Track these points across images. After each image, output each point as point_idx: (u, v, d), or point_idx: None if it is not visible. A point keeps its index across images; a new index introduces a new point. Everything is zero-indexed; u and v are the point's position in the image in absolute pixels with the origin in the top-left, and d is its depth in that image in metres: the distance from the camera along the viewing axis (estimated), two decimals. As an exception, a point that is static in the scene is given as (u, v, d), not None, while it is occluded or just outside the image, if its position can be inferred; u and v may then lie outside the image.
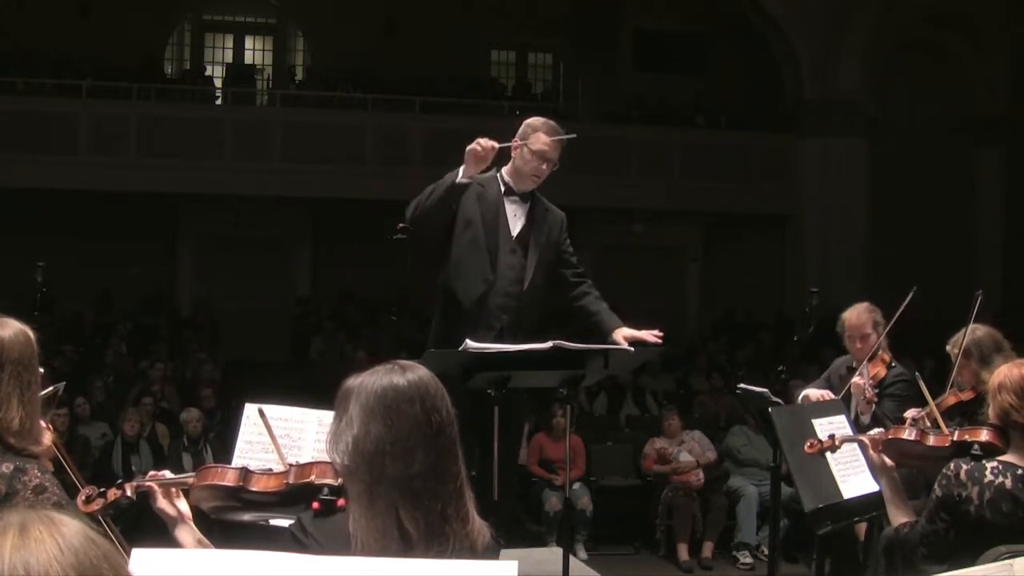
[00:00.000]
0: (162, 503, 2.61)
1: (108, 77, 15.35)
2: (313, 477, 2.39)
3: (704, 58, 18.45)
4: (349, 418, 2.09)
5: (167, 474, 2.71)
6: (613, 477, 9.36)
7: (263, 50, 18.64)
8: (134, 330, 13.51)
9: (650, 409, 11.03)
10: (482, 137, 4.20)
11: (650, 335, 4.19)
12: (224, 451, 6.70)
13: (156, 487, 2.62)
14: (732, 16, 17.03)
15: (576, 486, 8.43)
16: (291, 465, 2.56)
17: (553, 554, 4.72)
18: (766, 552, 7.96)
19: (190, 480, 2.64)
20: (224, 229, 15.96)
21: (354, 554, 1.97)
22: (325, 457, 2.24)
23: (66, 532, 1.23)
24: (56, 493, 2.62)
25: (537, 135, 4.37)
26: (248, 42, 18.62)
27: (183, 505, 2.67)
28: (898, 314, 5.10)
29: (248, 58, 18.54)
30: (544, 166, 4.37)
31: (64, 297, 12.47)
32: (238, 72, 17.76)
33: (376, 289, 14.74)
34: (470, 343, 3.78)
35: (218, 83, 17.50)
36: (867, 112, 16.45)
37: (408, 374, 2.13)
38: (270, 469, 2.62)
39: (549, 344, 3.78)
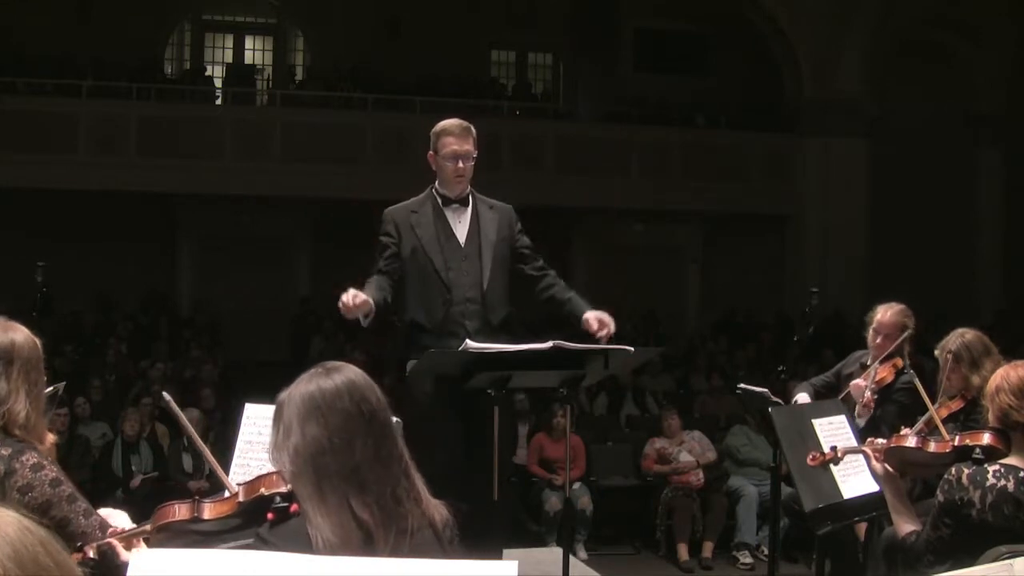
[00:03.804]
0: (125, 557, 2.55)
1: (108, 77, 15.36)
2: (263, 490, 2.39)
3: (704, 58, 18.45)
4: (286, 426, 2.17)
5: (124, 526, 2.66)
6: (613, 477, 9.36)
7: (263, 50, 18.63)
8: (134, 330, 13.51)
9: (650, 409, 11.02)
10: (346, 293, 4.07)
11: (601, 325, 4.18)
12: (224, 451, 6.70)
13: (115, 543, 2.57)
14: (732, 16, 17.03)
15: (576, 486, 8.42)
16: (239, 485, 2.55)
17: (553, 554, 4.72)
18: (766, 552, 7.95)
19: (147, 527, 2.60)
20: (224, 229, 15.96)
21: (318, 554, 1.98)
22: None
23: (1, 523, 1.23)
24: (53, 470, 2.74)
25: (442, 140, 4.38)
26: (248, 42, 18.62)
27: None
28: (893, 347, 5.09)
29: (248, 58, 18.53)
30: (460, 163, 4.36)
31: (64, 297, 12.47)
32: (238, 72, 17.75)
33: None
34: (470, 343, 3.78)
35: (218, 83, 17.49)
36: (867, 112, 16.46)
37: (333, 374, 2.21)
38: (223, 494, 2.59)
39: (549, 344, 3.78)
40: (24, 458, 2.70)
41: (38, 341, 2.88)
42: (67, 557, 1.27)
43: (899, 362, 5.17)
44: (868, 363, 5.22)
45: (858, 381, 5.08)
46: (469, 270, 4.37)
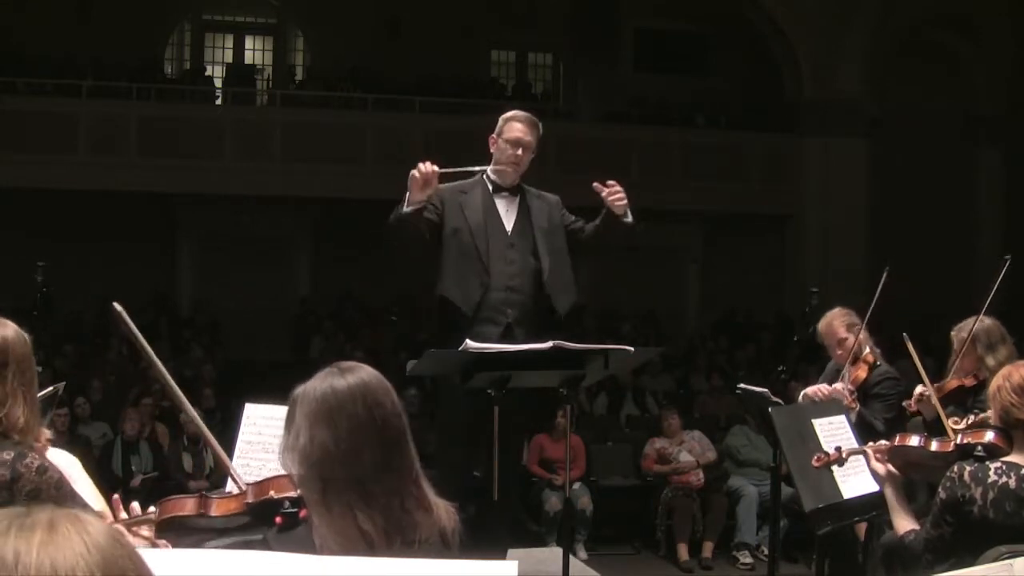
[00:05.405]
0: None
1: (108, 77, 15.36)
2: (272, 492, 2.34)
3: (704, 58, 18.45)
4: (297, 427, 2.09)
5: (132, 510, 2.59)
6: (613, 477, 9.36)
7: (263, 50, 18.63)
8: (134, 330, 13.49)
9: (650, 409, 11.03)
10: (426, 161, 4.15)
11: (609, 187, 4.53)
12: (224, 451, 6.69)
13: (122, 528, 2.51)
14: (732, 16, 17.03)
15: (576, 486, 8.43)
16: (248, 484, 2.52)
17: (553, 554, 4.72)
18: (766, 552, 7.95)
19: (153, 516, 2.55)
20: (224, 229, 15.96)
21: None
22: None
23: (92, 531, 1.24)
24: (57, 471, 2.74)
25: (510, 124, 4.46)
26: (248, 42, 18.61)
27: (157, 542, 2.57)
28: (875, 298, 5.09)
29: (248, 58, 18.53)
30: (519, 151, 4.44)
31: (64, 297, 12.47)
32: (238, 72, 17.75)
33: (376, 288, 14.75)
34: (470, 343, 3.78)
35: (218, 83, 17.49)
36: (867, 112, 16.45)
37: (348, 375, 2.12)
38: (229, 492, 2.57)
39: (549, 344, 3.78)
40: (27, 461, 2.69)
41: (25, 334, 2.81)
42: (150, 572, 1.28)
43: (869, 357, 5.26)
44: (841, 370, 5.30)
45: (837, 386, 5.15)
46: (513, 258, 4.41)
